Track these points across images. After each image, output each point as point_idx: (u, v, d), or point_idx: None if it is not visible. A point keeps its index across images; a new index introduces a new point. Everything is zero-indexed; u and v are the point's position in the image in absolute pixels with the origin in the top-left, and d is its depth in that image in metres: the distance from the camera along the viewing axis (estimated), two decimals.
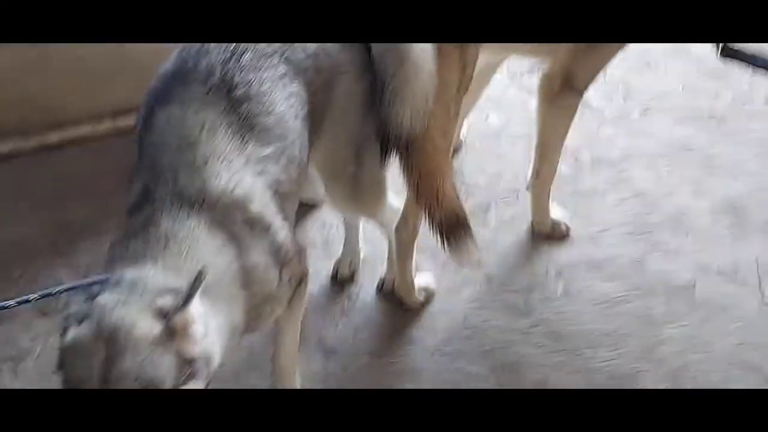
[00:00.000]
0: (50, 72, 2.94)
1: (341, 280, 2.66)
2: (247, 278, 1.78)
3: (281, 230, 1.88)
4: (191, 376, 1.58)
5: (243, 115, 1.84)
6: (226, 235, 1.76)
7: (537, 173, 2.70)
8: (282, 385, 2.25)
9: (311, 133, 2.02)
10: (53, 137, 3.04)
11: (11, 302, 1.64)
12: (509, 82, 3.39)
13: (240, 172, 1.81)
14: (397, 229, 2.41)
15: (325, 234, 2.81)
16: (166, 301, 1.57)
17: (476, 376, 2.39)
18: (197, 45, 1.90)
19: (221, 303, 1.70)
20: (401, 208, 2.40)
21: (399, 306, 2.57)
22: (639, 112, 3.34)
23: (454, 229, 2.21)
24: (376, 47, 2.06)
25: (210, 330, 1.65)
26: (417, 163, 2.15)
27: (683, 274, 2.67)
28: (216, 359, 1.68)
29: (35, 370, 2.42)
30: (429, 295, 2.59)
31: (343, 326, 2.53)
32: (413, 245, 2.45)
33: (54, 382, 2.31)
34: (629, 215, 2.88)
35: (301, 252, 2.04)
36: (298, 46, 1.95)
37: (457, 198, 2.25)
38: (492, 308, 2.58)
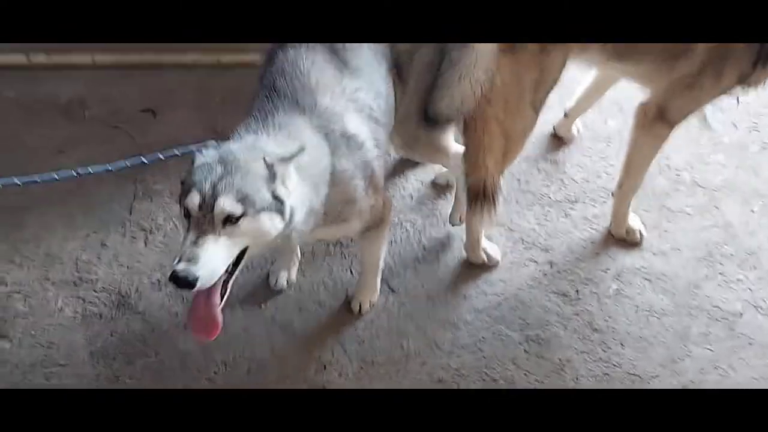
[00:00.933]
0: None
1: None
2: (333, 177, 2.25)
3: (371, 152, 2.35)
4: (276, 211, 2.05)
5: (340, 58, 2.35)
6: (324, 139, 2.25)
7: (621, 185, 2.95)
8: (363, 284, 2.79)
9: (397, 85, 2.47)
10: (226, 58, 3.59)
11: (159, 155, 2.17)
12: (636, 93, 3.57)
13: (340, 97, 2.31)
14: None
15: (422, 192, 3.18)
16: (273, 159, 2.06)
17: (509, 340, 2.73)
18: None
19: (308, 184, 2.17)
20: None
21: (465, 268, 2.93)
22: (758, 148, 3.42)
23: (477, 196, 2.57)
24: None
25: (297, 194, 2.13)
26: (466, 134, 2.55)
27: (733, 304, 2.85)
28: (297, 215, 2.14)
29: (163, 244, 2.99)
30: (491, 260, 2.93)
31: (411, 272, 2.92)
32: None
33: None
34: (705, 242, 3.05)
35: (387, 200, 2.54)
36: None
37: (495, 175, 2.57)
38: (545, 290, 2.89)
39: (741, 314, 2.82)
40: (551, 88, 2.60)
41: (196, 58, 3.59)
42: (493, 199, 2.57)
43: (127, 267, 2.91)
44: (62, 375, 2.62)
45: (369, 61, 2.37)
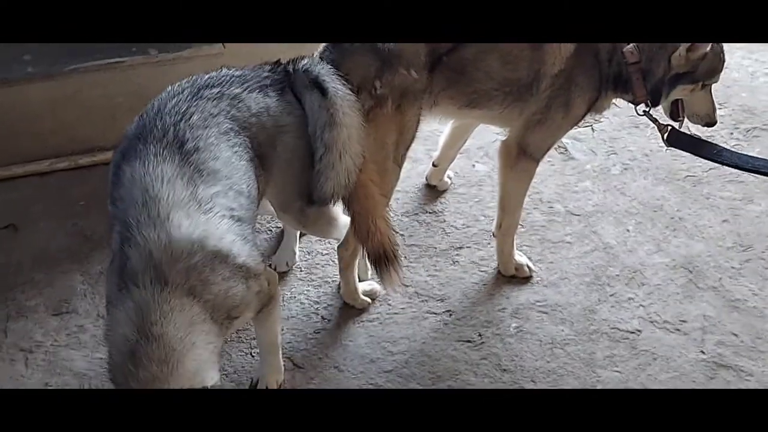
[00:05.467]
0: (82, 106, 3.36)
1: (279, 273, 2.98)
2: (211, 307, 2.11)
3: (241, 253, 2.21)
4: None
5: (193, 164, 2.20)
6: (189, 293, 2.07)
7: (499, 225, 3.01)
8: (266, 365, 2.68)
9: (259, 173, 2.40)
10: (84, 160, 3.46)
11: None
12: (498, 135, 3.66)
13: (196, 214, 2.14)
14: (339, 248, 2.81)
15: (310, 261, 3.13)
16: None
17: None
18: (155, 109, 2.30)
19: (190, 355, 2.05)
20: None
21: (366, 331, 2.89)
22: (619, 169, 3.57)
23: (380, 259, 2.57)
24: (312, 121, 2.45)
25: None
26: (351, 205, 2.56)
27: (630, 323, 2.93)
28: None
29: (45, 362, 2.79)
30: (373, 296, 2.97)
31: (313, 344, 2.85)
32: (354, 261, 2.85)
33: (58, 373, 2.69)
34: (590, 266, 3.14)
35: (271, 275, 2.45)
36: (244, 108, 2.36)
37: (389, 234, 2.60)
38: (449, 339, 2.88)
39: (639, 331, 2.90)
40: (410, 143, 2.70)
41: (50, 165, 3.44)
42: (395, 257, 2.57)
43: None
44: None
45: (226, 158, 2.26)
